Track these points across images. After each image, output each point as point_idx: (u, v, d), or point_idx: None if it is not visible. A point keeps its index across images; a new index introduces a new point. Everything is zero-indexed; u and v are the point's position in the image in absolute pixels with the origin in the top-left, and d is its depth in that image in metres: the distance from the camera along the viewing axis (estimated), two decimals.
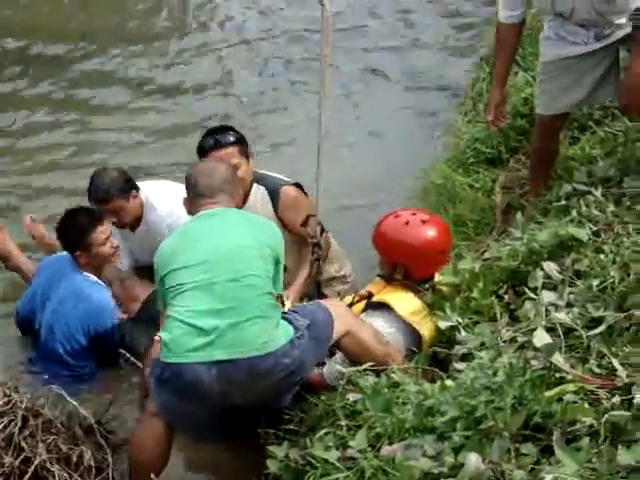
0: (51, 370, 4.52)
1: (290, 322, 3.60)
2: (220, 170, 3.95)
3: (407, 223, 4.12)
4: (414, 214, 4.21)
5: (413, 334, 3.97)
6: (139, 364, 4.52)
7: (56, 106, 7.64)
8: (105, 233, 4.62)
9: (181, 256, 3.65)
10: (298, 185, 4.70)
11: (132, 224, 4.96)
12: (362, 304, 4.15)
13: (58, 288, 4.63)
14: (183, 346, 3.47)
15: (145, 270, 4.93)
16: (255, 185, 4.66)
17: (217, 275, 3.56)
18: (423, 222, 4.14)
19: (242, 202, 4.54)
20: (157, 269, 3.74)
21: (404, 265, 4.11)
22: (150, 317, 4.30)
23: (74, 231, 4.62)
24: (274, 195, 4.63)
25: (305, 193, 4.67)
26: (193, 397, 3.54)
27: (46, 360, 4.60)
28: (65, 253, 4.72)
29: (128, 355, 4.63)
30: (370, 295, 4.16)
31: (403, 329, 4.00)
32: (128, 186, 4.87)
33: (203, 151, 4.52)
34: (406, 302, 4.05)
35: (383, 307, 4.06)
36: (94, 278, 4.66)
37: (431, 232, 4.13)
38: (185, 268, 3.60)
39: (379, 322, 4.00)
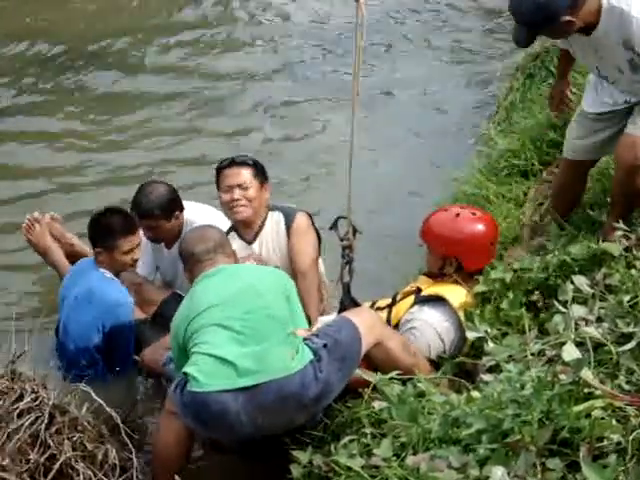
0: (66, 370, 4.51)
1: (308, 346, 3.64)
2: (211, 232, 4.12)
3: (458, 215, 4.15)
4: (463, 208, 4.28)
5: (463, 330, 3.93)
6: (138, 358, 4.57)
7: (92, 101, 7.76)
8: (132, 244, 4.63)
9: (197, 307, 3.74)
10: (309, 215, 4.84)
11: (169, 241, 4.98)
12: (409, 300, 4.12)
13: (75, 286, 4.65)
14: (208, 376, 3.52)
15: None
16: (270, 212, 4.83)
17: (234, 311, 3.67)
18: (473, 214, 4.19)
19: (258, 229, 4.80)
20: (176, 333, 3.79)
21: (457, 258, 4.12)
22: (166, 320, 4.30)
23: (106, 227, 4.62)
24: (289, 218, 4.78)
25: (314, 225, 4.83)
26: (220, 427, 3.58)
27: (62, 359, 4.62)
28: (89, 258, 4.78)
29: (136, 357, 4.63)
30: (419, 290, 4.15)
31: (457, 323, 3.97)
32: (172, 207, 4.90)
33: (219, 170, 4.77)
34: (459, 296, 4.05)
35: (435, 301, 4.05)
36: (110, 274, 4.65)
37: (483, 223, 4.18)
38: (203, 312, 3.69)
39: (434, 315, 3.99)
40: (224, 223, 4.83)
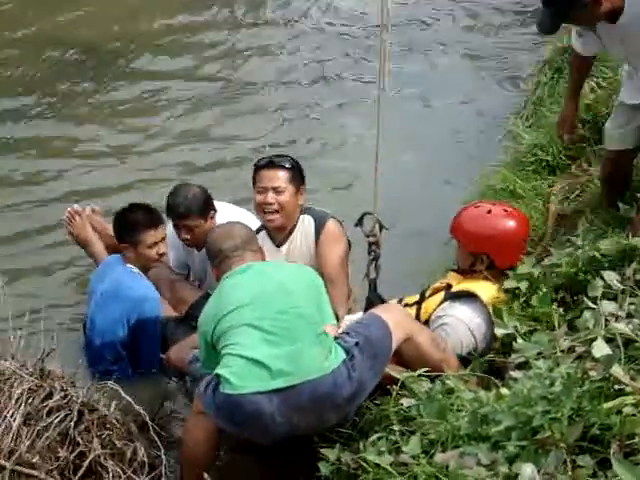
0: (91, 365, 4.56)
1: (340, 345, 3.62)
2: (237, 228, 4.08)
3: (490, 212, 4.12)
4: (494, 204, 4.24)
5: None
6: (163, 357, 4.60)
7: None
8: (155, 238, 4.69)
9: (227, 305, 3.71)
10: (340, 222, 4.77)
11: (202, 245, 4.95)
12: (439, 296, 4.10)
13: (102, 282, 4.72)
14: (241, 378, 3.50)
15: None
16: (301, 216, 4.76)
17: (265, 311, 3.64)
18: (505, 211, 4.16)
19: (288, 233, 4.74)
20: (204, 331, 3.77)
21: (489, 255, 4.09)
22: (196, 320, 4.33)
23: (128, 223, 4.72)
24: (320, 223, 4.70)
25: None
26: (254, 428, 3.56)
27: (88, 355, 4.66)
28: (117, 254, 4.83)
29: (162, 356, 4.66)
30: (449, 286, 4.13)
31: (488, 320, 3.93)
32: (209, 206, 4.91)
33: (257, 168, 4.71)
34: (490, 292, 4.02)
35: (466, 297, 4.03)
36: (137, 270, 4.72)
37: (515, 220, 4.15)
38: (233, 311, 3.67)
39: (465, 311, 3.97)
40: (253, 224, 4.78)
